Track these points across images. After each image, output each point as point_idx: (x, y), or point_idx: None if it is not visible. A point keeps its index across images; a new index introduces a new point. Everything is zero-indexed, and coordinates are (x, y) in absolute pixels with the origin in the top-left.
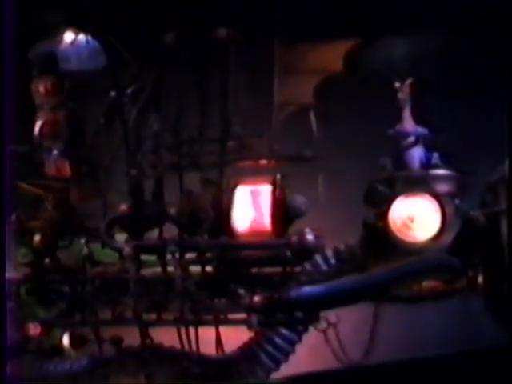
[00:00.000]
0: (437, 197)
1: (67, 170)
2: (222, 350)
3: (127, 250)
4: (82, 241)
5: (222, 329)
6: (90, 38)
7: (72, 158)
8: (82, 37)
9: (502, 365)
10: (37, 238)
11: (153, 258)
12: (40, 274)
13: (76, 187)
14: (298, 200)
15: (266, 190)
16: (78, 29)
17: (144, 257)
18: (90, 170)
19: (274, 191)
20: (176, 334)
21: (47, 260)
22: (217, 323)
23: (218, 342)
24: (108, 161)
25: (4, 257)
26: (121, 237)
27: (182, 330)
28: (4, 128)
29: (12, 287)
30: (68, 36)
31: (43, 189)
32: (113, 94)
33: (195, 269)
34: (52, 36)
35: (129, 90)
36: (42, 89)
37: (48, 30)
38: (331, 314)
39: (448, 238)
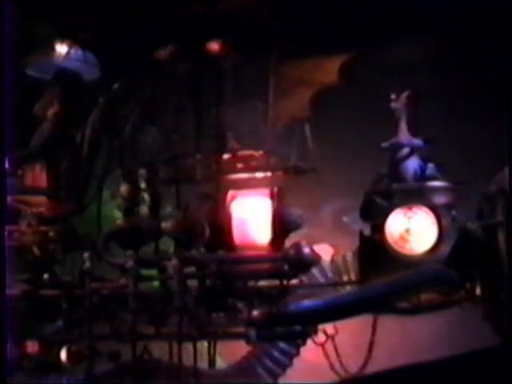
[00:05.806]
0: (433, 209)
1: (43, 181)
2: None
3: (130, 263)
4: (85, 255)
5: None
6: (83, 50)
7: (51, 170)
8: (76, 49)
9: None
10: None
11: (151, 272)
12: (38, 289)
13: (52, 200)
14: (295, 213)
15: (262, 204)
16: (72, 41)
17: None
18: (67, 183)
19: (270, 204)
20: (174, 348)
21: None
22: (215, 337)
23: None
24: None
25: (4, 273)
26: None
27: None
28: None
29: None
30: (61, 48)
31: (24, 203)
32: (101, 100)
33: (193, 283)
34: (45, 48)
35: (115, 85)
36: (43, 101)
37: (40, 41)
38: (329, 327)
39: (445, 250)
